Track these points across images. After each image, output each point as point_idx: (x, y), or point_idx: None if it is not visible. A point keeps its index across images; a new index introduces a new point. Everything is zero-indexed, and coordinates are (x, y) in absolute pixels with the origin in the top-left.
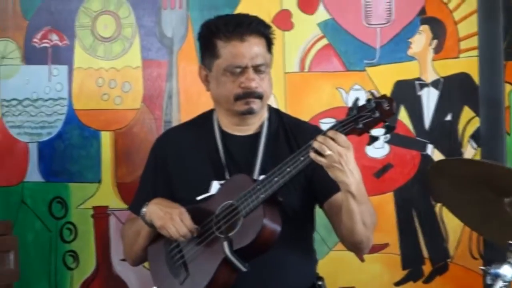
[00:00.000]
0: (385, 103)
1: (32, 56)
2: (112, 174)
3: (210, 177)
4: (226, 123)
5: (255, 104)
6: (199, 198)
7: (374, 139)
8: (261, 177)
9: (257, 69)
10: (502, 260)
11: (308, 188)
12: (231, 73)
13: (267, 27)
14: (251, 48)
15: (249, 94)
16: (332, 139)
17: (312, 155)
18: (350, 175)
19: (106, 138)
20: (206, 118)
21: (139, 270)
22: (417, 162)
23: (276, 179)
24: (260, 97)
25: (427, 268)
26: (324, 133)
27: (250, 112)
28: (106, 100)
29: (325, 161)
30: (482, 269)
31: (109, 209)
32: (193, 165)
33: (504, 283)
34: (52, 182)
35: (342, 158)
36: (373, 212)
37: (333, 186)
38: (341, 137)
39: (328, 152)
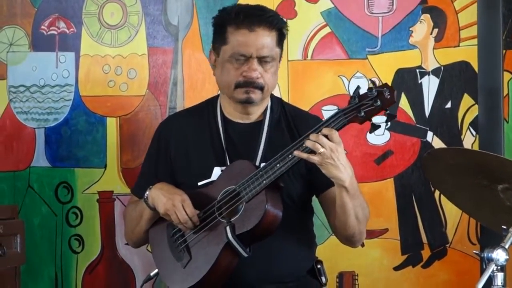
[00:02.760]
0: (386, 91)
1: (39, 43)
2: (117, 159)
3: (211, 163)
4: (229, 110)
5: (254, 94)
6: (200, 183)
7: (375, 127)
8: (262, 164)
9: (262, 60)
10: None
11: (307, 177)
12: (236, 61)
13: (281, 21)
14: (259, 39)
15: (249, 84)
16: (326, 136)
17: (304, 155)
18: (344, 170)
19: (111, 124)
20: (210, 104)
21: (144, 253)
22: (417, 149)
23: (278, 165)
24: (260, 88)
25: (426, 253)
26: (318, 130)
27: (248, 101)
28: (112, 86)
29: (316, 159)
30: (475, 253)
31: (114, 194)
32: (195, 151)
33: (497, 267)
34: (59, 168)
35: (334, 153)
36: (365, 206)
37: (330, 180)
38: (335, 134)
39: (321, 149)
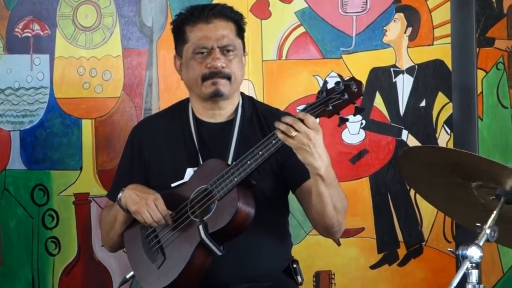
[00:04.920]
0: (353, 85)
1: (14, 45)
2: (93, 161)
3: (184, 164)
4: (200, 110)
5: (222, 86)
6: (173, 184)
7: (343, 120)
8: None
9: (224, 50)
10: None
11: (280, 173)
12: (199, 55)
13: (235, 12)
14: (217, 30)
15: (215, 74)
16: (301, 120)
17: (281, 135)
18: (318, 157)
19: (87, 126)
20: (181, 107)
21: (120, 255)
22: (392, 147)
23: (249, 162)
24: (227, 77)
25: (402, 251)
26: (293, 115)
27: (217, 93)
28: (87, 88)
29: (293, 142)
30: (450, 250)
31: (90, 195)
32: (168, 153)
33: (471, 264)
34: (34, 170)
35: (311, 140)
36: (343, 197)
37: (304, 173)
38: (310, 119)
39: (294, 133)
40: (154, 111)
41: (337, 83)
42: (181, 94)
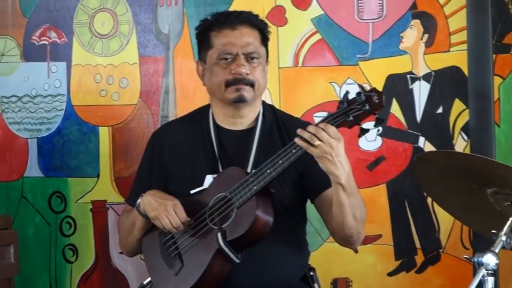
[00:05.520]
0: (375, 96)
1: (31, 53)
2: (110, 168)
3: (204, 171)
4: (221, 117)
5: (246, 92)
6: (193, 191)
7: (364, 131)
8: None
9: (248, 57)
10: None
11: (299, 182)
12: (223, 61)
13: (260, 20)
14: (242, 36)
15: (239, 80)
16: (323, 130)
17: (303, 144)
18: (340, 166)
19: (104, 134)
20: (202, 113)
21: (138, 262)
22: (409, 154)
23: (268, 171)
24: (251, 84)
25: (419, 258)
26: (315, 124)
27: (241, 99)
28: (104, 96)
29: (315, 151)
30: (466, 257)
31: (107, 203)
32: (188, 159)
33: (487, 271)
34: (52, 177)
35: (333, 149)
36: (363, 206)
37: (324, 182)
38: (332, 129)
39: (317, 142)
40: (171, 118)
41: (358, 94)
42: (198, 101)
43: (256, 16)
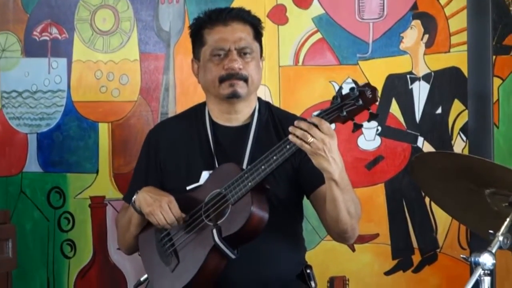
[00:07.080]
0: (368, 91)
1: (32, 49)
2: (109, 165)
3: (200, 167)
4: (216, 114)
5: (240, 87)
6: (188, 187)
7: (358, 126)
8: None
9: (241, 52)
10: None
11: (295, 178)
12: (216, 57)
13: (252, 16)
14: (234, 32)
15: (233, 75)
16: (316, 126)
17: (296, 141)
18: (333, 162)
19: (103, 130)
20: (198, 110)
21: (135, 259)
22: (407, 154)
23: (263, 167)
24: (244, 79)
25: (416, 257)
26: (308, 121)
27: (235, 94)
28: (104, 92)
29: (308, 148)
30: (463, 257)
31: (106, 199)
32: (184, 156)
33: (484, 271)
34: (51, 173)
35: (326, 145)
36: (357, 202)
37: (319, 178)
38: (325, 125)
39: (310, 139)
40: (171, 115)
41: (351, 89)
42: (198, 98)
43: (248, 12)
